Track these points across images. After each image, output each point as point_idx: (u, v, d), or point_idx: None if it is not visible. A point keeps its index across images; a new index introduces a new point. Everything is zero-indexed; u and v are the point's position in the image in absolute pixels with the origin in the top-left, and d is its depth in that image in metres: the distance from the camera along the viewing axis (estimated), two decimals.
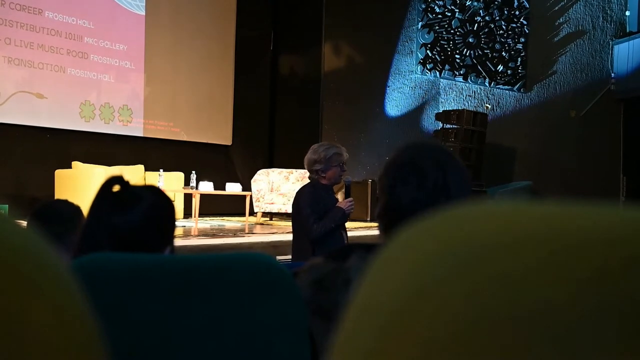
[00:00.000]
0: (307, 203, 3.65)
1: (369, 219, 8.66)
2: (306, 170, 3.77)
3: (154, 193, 1.46)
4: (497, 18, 10.43)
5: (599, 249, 0.22)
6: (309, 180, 3.78)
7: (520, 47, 10.48)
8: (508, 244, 0.23)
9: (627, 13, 9.72)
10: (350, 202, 3.62)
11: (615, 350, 0.20)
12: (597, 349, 0.20)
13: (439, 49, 10.41)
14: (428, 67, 10.41)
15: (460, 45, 10.43)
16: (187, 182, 7.84)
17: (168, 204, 1.48)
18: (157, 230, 1.43)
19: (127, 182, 1.43)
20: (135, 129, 9.48)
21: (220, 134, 10.61)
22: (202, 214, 8.05)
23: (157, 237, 1.43)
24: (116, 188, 1.41)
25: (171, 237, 1.48)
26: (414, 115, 10.46)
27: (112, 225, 1.37)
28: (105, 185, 1.40)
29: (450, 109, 9.99)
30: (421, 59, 10.40)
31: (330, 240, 3.56)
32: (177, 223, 1.56)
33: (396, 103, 10.42)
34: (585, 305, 0.21)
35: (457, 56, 10.42)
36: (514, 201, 0.26)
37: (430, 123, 10.28)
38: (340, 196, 4.24)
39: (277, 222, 8.57)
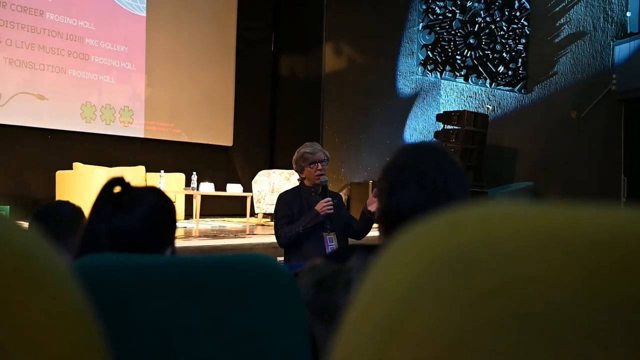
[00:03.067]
0: (278, 208, 3.59)
1: None
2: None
3: (155, 194, 1.46)
4: (498, 19, 10.43)
5: (604, 249, 0.22)
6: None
7: (521, 47, 10.47)
8: (510, 246, 0.23)
9: (628, 14, 9.72)
10: (325, 203, 3.46)
11: (623, 347, 0.20)
12: (611, 349, 0.20)
13: (439, 50, 10.41)
14: (429, 68, 10.41)
15: (461, 46, 10.43)
16: (188, 183, 7.84)
17: (169, 204, 1.48)
18: (158, 231, 1.43)
19: (128, 184, 1.43)
20: (136, 130, 9.48)
21: (221, 135, 10.61)
22: (203, 215, 8.05)
23: (157, 238, 1.43)
24: (117, 189, 1.41)
25: (172, 238, 1.49)
26: (415, 116, 10.45)
27: (113, 227, 1.37)
28: (106, 186, 1.40)
29: (451, 109, 9.99)
30: (422, 60, 10.39)
31: (306, 244, 3.44)
32: (178, 224, 1.55)
33: (397, 104, 10.42)
34: (594, 306, 0.21)
35: (457, 57, 10.42)
36: (513, 202, 0.26)
37: (431, 124, 10.28)
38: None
39: None
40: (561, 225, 0.24)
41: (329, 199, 3.51)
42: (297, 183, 3.76)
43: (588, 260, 0.22)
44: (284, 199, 3.59)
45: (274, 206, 3.67)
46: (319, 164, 3.56)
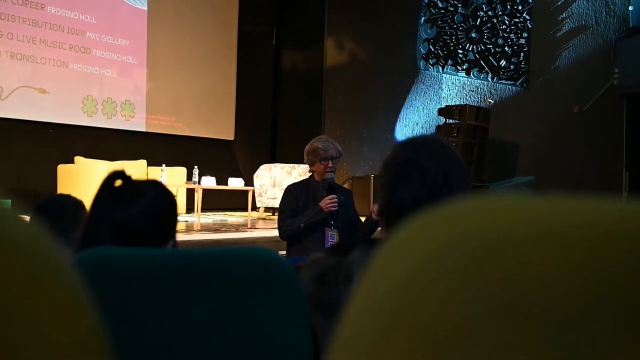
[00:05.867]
0: (283, 200, 3.58)
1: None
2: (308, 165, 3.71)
3: (156, 187, 1.46)
4: (500, 13, 10.41)
5: (605, 243, 0.22)
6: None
7: (523, 42, 10.45)
8: (509, 237, 0.23)
9: (630, 8, 9.68)
10: (329, 200, 3.44)
11: (625, 342, 0.20)
12: (609, 343, 0.20)
13: (441, 43, 10.39)
14: (430, 62, 10.39)
15: (463, 40, 10.41)
16: (189, 177, 7.84)
17: (170, 198, 1.48)
18: (159, 224, 1.43)
19: (129, 177, 1.43)
20: (138, 124, 9.48)
21: (223, 129, 10.61)
22: (205, 209, 8.06)
23: (159, 232, 1.43)
24: (118, 183, 1.41)
25: (173, 231, 1.48)
26: (417, 110, 10.44)
27: (115, 220, 1.37)
28: (108, 179, 1.40)
29: (452, 104, 9.97)
30: (424, 54, 10.38)
31: (308, 239, 3.44)
32: (179, 218, 1.55)
33: (398, 98, 10.40)
34: (594, 300, 0.21)
35: (459, 51, 10.40)
36: (514, 194, 0.26)
37: (432, 118, 10.27)
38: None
39: None
40: (563, 216, 0.24)
41: (334, 196, 3.48)
42: (300, 177, 3.76)
43: (590, 252, 0.22)
44: (291, 191, 3.58)
45: (281, 197, 3.66)
46: (330, 160, 3.55)
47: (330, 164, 3.53)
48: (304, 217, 3.45)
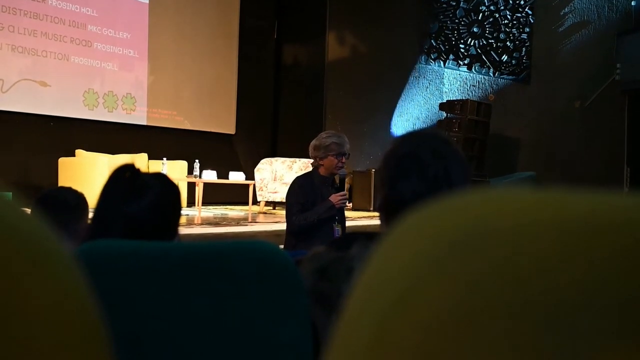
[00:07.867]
0: (293, 193, 3.57)
1: (372, 208, 8.66)
2: (310, 159, 3.71)
3: (163, 180, 1.47)
4: (502, 8, 10.39)
5: (604, 234, 0.22)
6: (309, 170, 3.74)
7: (525, 37, 10.43)
8: (509, 230, 0.23)
9: (633, 3, 9.66)
10: (342, 195, 3.48)
11: (620, 334, 0.20)
12: (602, 335, 0.21)
13: (443, 38, 10.38)
14: (432, 57, 10.38)
15: (464, 34, 10.39)
16: (190, 171, 7.83)
17: (176, 190, 1.49)
18: (166, 218, 1.44)
19: (138, 170, 1.43)
20: (139, 118, 9.47)
21: (224, 123, 10.60)
22: (206, 202, 8.05)
23: (168, 224, 1.44)
24: (126, 175, 1.42)
25: (177, 225, 1.49)
26: (418, 105, 10.43)
27: (124, 213, 1.38)
28: (117, 173, 1.40)
29: (454, 98, 9.96)
30: (425, 49, 10.36)
31: (316, 233, 3.44)
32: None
33: (399, 93, 10.39)
34: (590, 291, 0.21)
35: (461, 46, 10.38)
36: (513, 187, 0.26)
37: (434, 113, 10.26)
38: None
39: (280, 211, 8.57)
40: (559, 208, 0.24)
41: (345, 192, 3.52)
42: (301, 171, 3.76)
43: (586, 244, 0.22)
44: (300, 184, 3.58)
45: (287, 190, 3.65)
46: (343, 156, 3.55)
47: (343, 160, 3.54)
48: (315, 212, 3.46)
